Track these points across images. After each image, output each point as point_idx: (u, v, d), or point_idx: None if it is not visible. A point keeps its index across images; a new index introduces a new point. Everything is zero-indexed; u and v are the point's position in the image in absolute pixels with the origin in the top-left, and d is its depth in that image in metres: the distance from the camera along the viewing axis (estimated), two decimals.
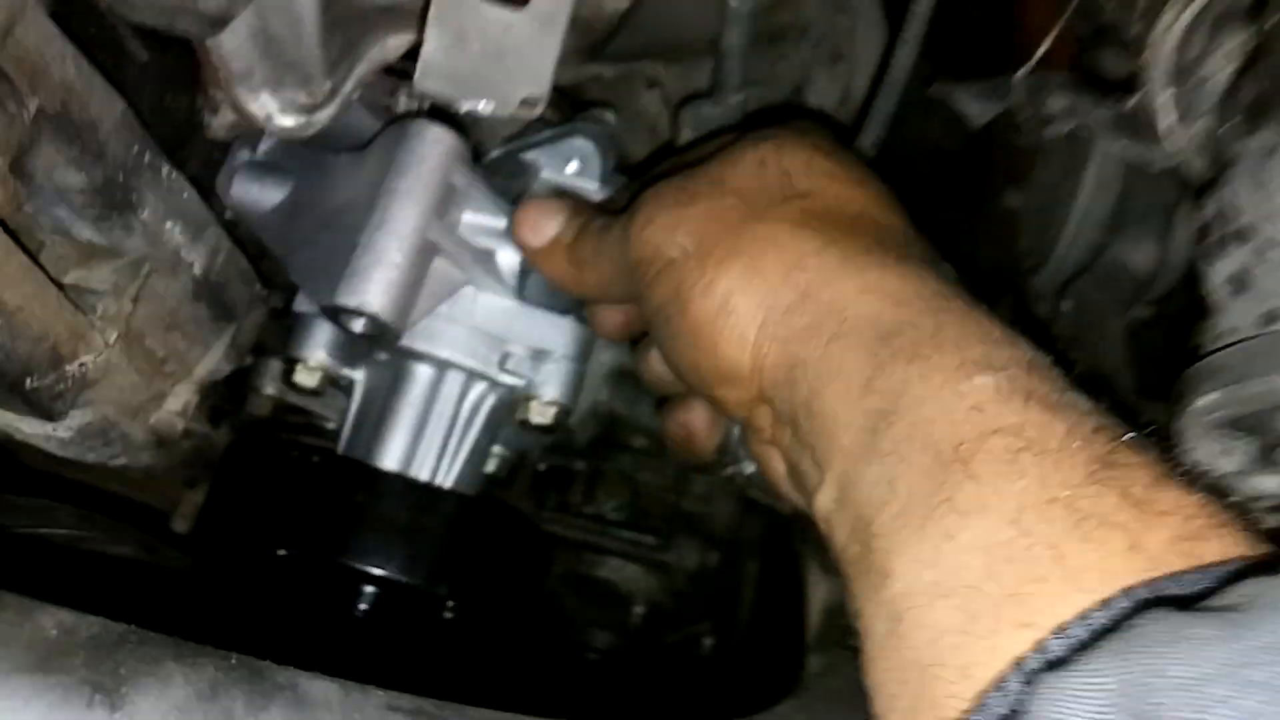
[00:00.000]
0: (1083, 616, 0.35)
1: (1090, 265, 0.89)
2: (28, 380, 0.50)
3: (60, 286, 0.53)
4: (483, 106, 0.59)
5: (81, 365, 0.53)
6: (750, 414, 0.54)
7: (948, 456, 0.41)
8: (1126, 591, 0.35)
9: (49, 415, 0.52)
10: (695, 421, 0.68)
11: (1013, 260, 1.08)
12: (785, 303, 0.49)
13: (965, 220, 1.34)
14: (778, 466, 0.55)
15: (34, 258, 0.51)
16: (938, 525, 0.40)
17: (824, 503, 0.46)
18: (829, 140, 0.59)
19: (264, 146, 0.72)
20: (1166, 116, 0.48)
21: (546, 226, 0.65)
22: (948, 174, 1.32)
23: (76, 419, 0.54)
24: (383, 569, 0.67)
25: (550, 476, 1.04)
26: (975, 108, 0.63)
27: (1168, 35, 0.47)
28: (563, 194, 0.69)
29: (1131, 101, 0.56)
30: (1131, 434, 0.41)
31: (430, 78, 0.58)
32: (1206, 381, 0.43)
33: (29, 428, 0.55)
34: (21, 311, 0.48)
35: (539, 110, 0.60)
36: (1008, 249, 1.11)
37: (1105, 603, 0.35)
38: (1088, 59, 0.93)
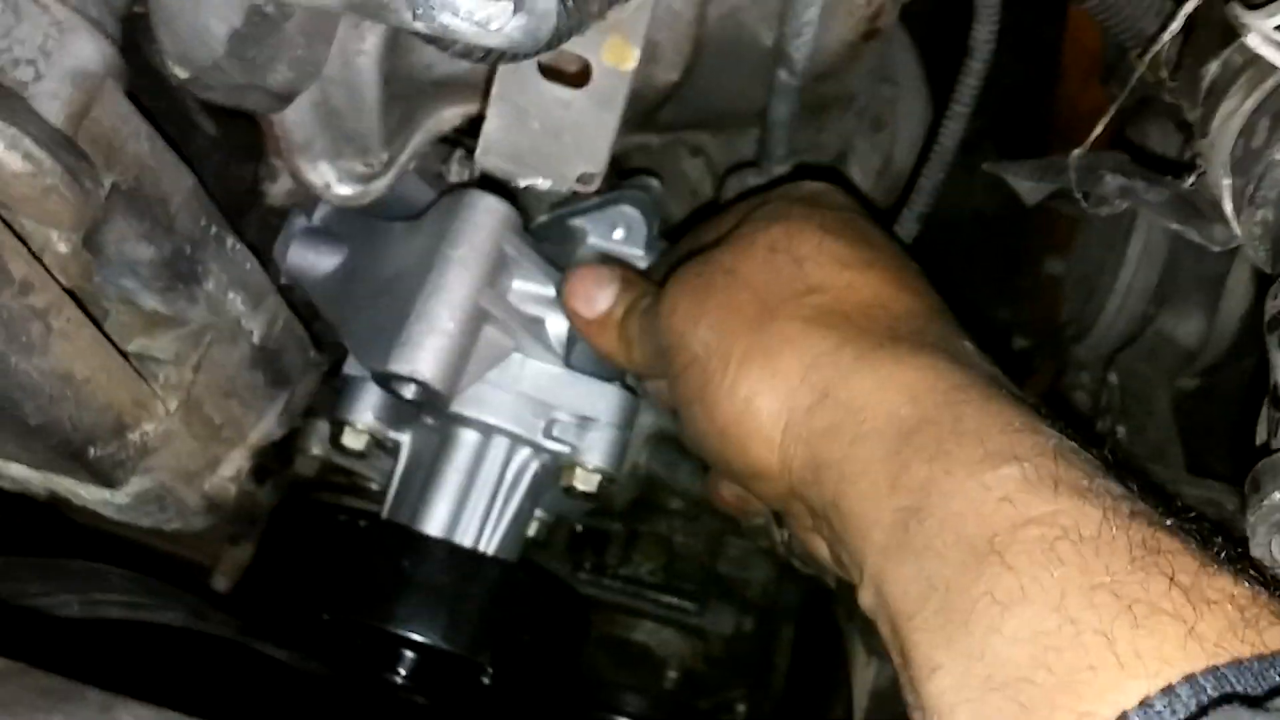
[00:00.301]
0: (1145, 704, 0.35)
1: (1136, 337, 0.89)
2: (91, 449, 0.51)
3: (124, 355, 0.54)
4: (540, 183, 0.60)
5: (143, 434, 0.53)
6: (786, 505, 0.55)
7: (982, 549, 0.40)
8: (1189, 679, 0.35)
9: (109, 483, 0.53)
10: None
11: (1055, 327, 1.08)
12: (805, 403, 0.50)
13: (1006, 285, 1.34)
14: (823, 552, 0.55)
15: (99, 326, 0.52)
16: (981, 618, 0.39)
17: (865, 599, 0.46)
18: (837, 215, 0.59)
19: (319, 213, 0.74)
20: (1227, 204, 0.47)
21: (598, 299, 0.65)
22: (988, 238, 1.32)
23: (135, 485, 0.55)
24: (425, 636, 0.67)
25: (587, 537, 1.04)
26: (1027, 186, 0.63)
27: (1229, 123, 0.47)
28: (612, 261, 0.69)
29: (1188, 183, 0.56)
30: (1171, 519, 0.40)
31: (491, 154, 0.59)
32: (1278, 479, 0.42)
33: (88, 494, 0.55)
34: (89, 383, 0.49)
35: (594, 187, 0.61)
36: (1049, 315, 1.11)
37: (1168, 689, 0.35)
38: (1132, 130, 0.93)
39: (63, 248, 0.47)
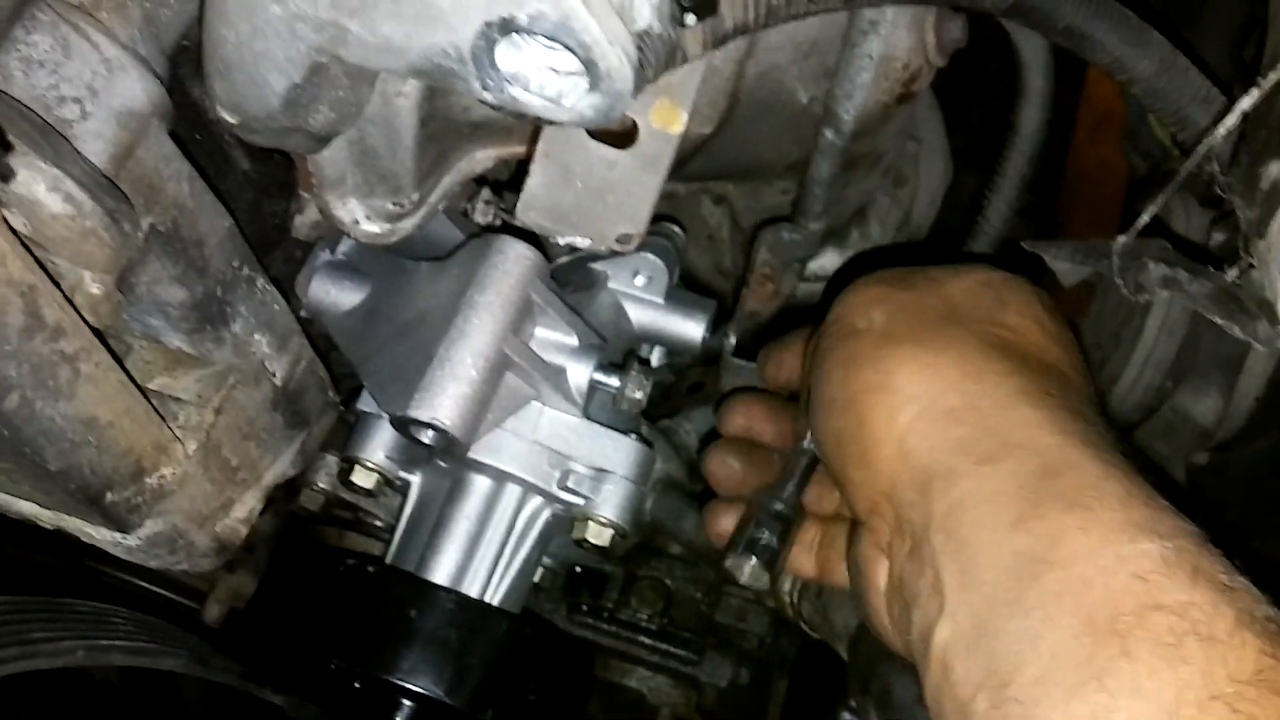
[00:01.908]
0: None
1: (1152, 411, 0.88)
2: (108, 494, 0.49)
3: (145, 393, 0.52)
4: (580, 241, 0.59)
5: (161, 477, 0.52)
6: (872, 511, 0.51)
7: (1102, 627, 0.39)
8: None
9: (123, 528, 0.51)
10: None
11: None
12: (947, 405, 0.48)
13: None
14: (875, 578, 0.52)
15: (122, 364, 0.50)
16: (1085, 703, 0.38)
17: (943, 636, 0.43)
18: (1048, 297, 0.59)
19: (344, 247, 0.72)
20: None
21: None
22: None
23: (147, 529, 0.53)
24: (429, 689, 0.66)
25: (584, 579, 1.03)
26: (1065, 268, 0.62)
27: None
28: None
29: (1232, 276, 0.56)
30: None
31: (532, 210, 0.58)
32: None
33: (98, 534, 0.54)
34: (112, 427, 0.47)
35: (633, 247, 0.60)
36: None
37: None
38: (1158, 208, 0.93)
39: (95, 289, 0.46)
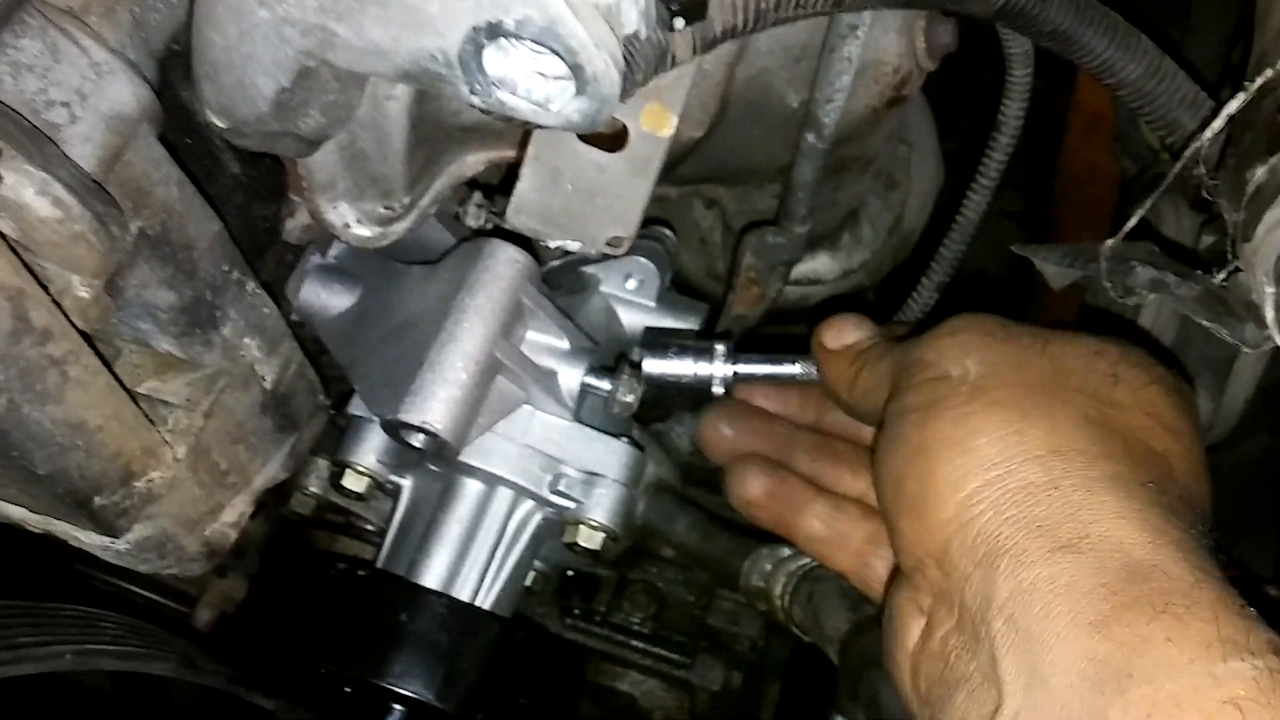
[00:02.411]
0: None
1: None
2: (96, 498, 0.49)
3: (133, 397, 0.52)
4: (570, 245, 0.59)
5: (149, 481, 0.52)
6: (916, 568, 0.47)
7: None
8: None
9: (111, 532, 0.51)
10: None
11: None
12: (1028, 479, 0.43)
13: None
14: (907, 635, 0.48)
15: (110, 368, 0.50)
16: None
17: None
18: (1176, 379, 0.53)
19: (334, 250, 0.72)
20: (1269, 312, 0.47)
21: (848, 334, 0.61)
22: (988, 300, 1.32)
23: (136, 533, 0.53)
24: (420, 693, 0.66)
25: (576, 582, 1.03)
26: (1055, 271, 0.63)
27: (1275, 232, 0.47)
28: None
29: (1219, 278, 0.56)
30: None
31: (522, 214, 0.58)
32: None
33: (86, 539, 0.53)
34: (101, 431, 0.47)
35: (623, 250, 0.60)
36: None
37: None
38: (1138, 206, 0.94)
39: (84, 293, 0.46)
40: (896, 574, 0.51)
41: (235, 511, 0.60)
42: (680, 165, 0.79)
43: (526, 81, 0.39)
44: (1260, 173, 0.49)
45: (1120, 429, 0.47)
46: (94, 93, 0.44)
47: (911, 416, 0.49)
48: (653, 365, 0.68)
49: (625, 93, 0.47)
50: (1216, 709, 0.36)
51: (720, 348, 0.68)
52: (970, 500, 0.44)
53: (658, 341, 0.69)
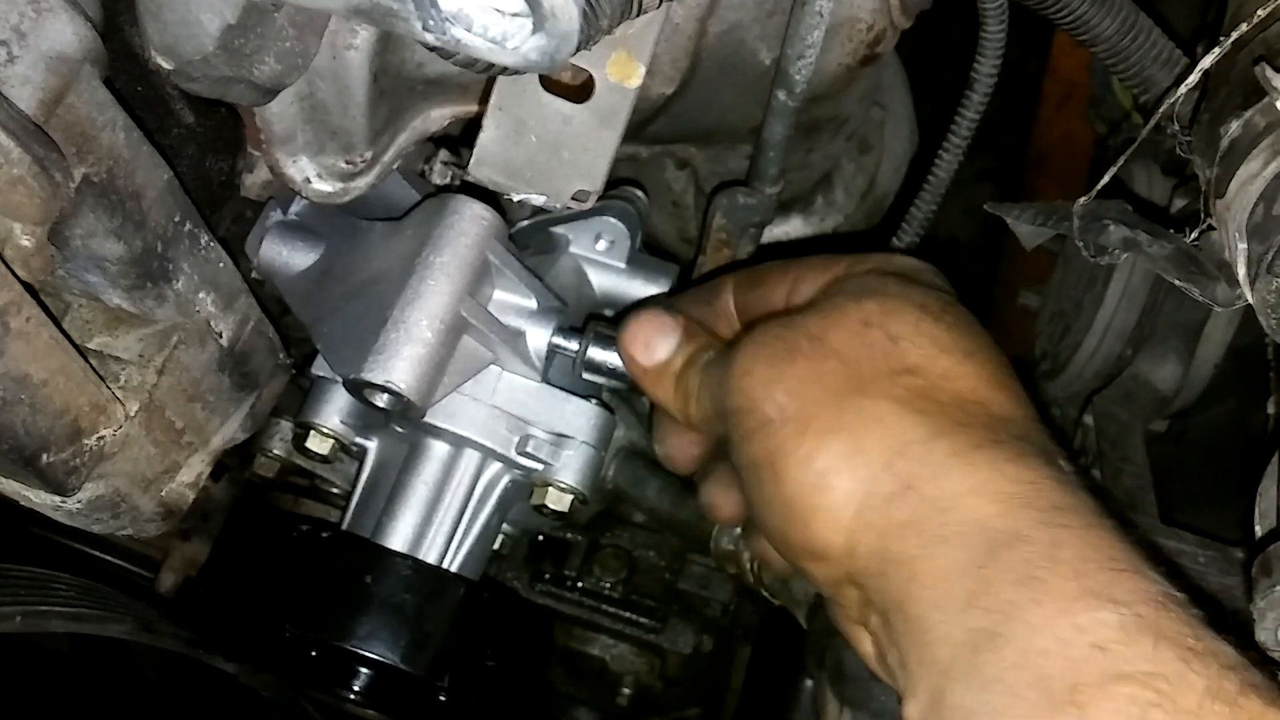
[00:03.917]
0: None
1: (1112, 378, 0.89)
2: (44, 456, 0.47)
3: (83, 353, 0.51)
4: (534, 198, 0.58)
5: (100, 439, 0.50)
6: (836, 592, 0.51)
7: (1061, 698, 0.38)
8: None
9: (61, 490, 0.50)
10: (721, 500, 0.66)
11: (1026, 360, 1.08)
12: (886, 490, 0.46)
13: (976, 312, 1.34)
14: (865, 646, 0.52)
15: (59, 325, 0.49)
16: None
17: (911, 713, 0.43)
18: (938, 296, 0.55)
19: (296, 207, 0.71)
20: (1241, 269, 0.47)
21: (658, 347, 0.61)
22: (961, 265, 1.32)
23: (88, 492, 0.52)
24: (386, 656, 0.65)
25: (547, 547, 1.02)
26: (1027, 230, 0.62)
27: (1249, 186, 0.46)
28: (671, 309, 0.64)
29: (1191, 237, 0.56)
30: None
31: (485, 166, 0.57)
32: None
33: (36, 498, 0.52)
34: (46, 386, 0.46)
35: (589, 204, 0.59)
36: (1021, 348, 1.11)
37: None
38: (1119, 171, 0.93)
39: (25, 242, 0.44)
40: (830, 604, 0.54)
41: (193, 471, 0.59)
42: (651, 124, 0.78)
43: (482, 18, 0.38)
44: (1234, 127, 0.48)
45: (926, 392, 0.49)
46: (33, 32, 0.42)
47: (763, 474, 0.51)
48: (598, 354, 0.67)
49: (590, 38, 0.46)
50: (1082, 653, 0.38)
51: None
52: (852, 530, 0.47)
53: (603, 333, 0.68)
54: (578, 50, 0.46)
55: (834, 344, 0.52)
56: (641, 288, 0.80)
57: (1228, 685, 0.37)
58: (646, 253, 0.83)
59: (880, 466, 0.47)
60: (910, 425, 0.48)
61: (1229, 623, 0.41)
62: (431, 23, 0.38)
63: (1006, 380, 0.52)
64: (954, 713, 0.41)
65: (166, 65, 0.45)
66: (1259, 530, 0.46)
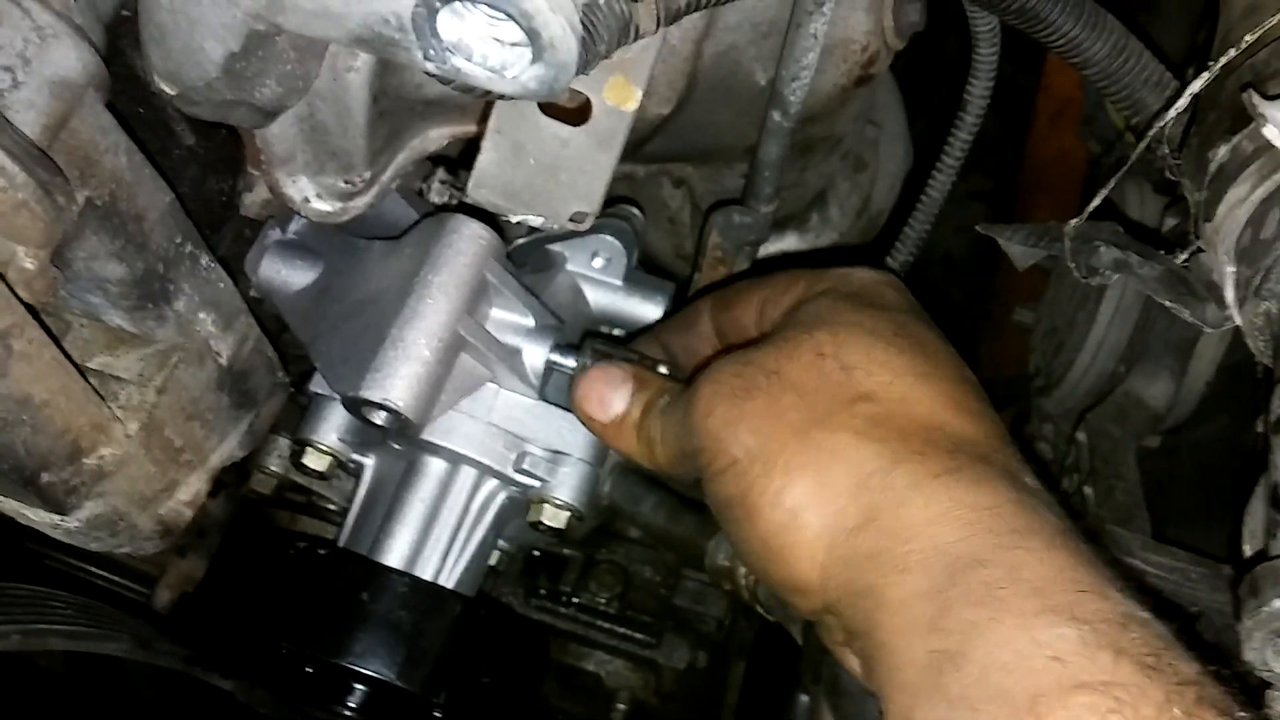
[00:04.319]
0: None
1: (1105, 395, 0.90)
2: (43, 475, 0.48)
3: (83, 372, 0.51)
4: (532, 220, 0.58)
5: (100, 458, 0.50)
6: (821, 619, 0.52)
7: (1022, 709, 0.38)
8: None
9: (60, 509, 0.50)
10: None
11: (1018, 375, 1.09)
12: (851, 524, 0.47)
13: (970, 328, 1.35)
14: (853, 665, 0.52)
15: (60, 345, 0.49)
16: None
17: None
18: (890, 318, 0.55)
19: (295, 225, 0.71)
20: (1229, 292, 0.47)
21: (613, 402, 0.62)
22: (955, 281, 1.33)
23: (87, 511, 0.52)
24: (382, 673, 0.65)
25: (542, 562, 1.02)
26: (1020, 251, 0.63)
27: (1237, 210, 0.47)
28: (620, 360, 0.65)
29: (1181, 259, 0.56)
30: (1242, 710, 0.38)
31: (484, 188, 0.58)
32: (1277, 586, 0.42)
33: (35, 516, 0.52)
34: (47, 406, 0.46)
35: (587, 226, 0.60)
36: (1014, 363, 1.12)
37: None
38: (1111, 190, 0.94)
39: (29, 264, 0.44)
40: (819, 627, 0.55)
41: (191, 490, 0.59)
42: (648, 143, 0.79)
43: (482, 47, 0.38)
44: (1223, 151, 0.49)
45: (884, 420, 0.50)
46: (37, 57, 0.42)
47: (736, 514, 0.52)
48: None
49: (588, 64, 0.47)
50: (1041, 666, 0.39)
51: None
52: (824, 569, 0.48)
53: (600, 349, 0.68)
54: (575, 76, 0.47)
55: (790, 378, 0.52)
56: (638, 305, 0.80)
57: (1185, 696, 0.38)
58: (643, 270, 0.84)
59: (846, 499, 0.48)
60: (870, 455, 0.48)
61: (1202, 639, 0.42)
62: (432, 52, 0.38)
63: (966, 399, 0.52)
64: None
65: (170, 91, 0.46)
66: (1247, 550, 0.47)
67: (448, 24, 0.38)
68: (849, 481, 0.48)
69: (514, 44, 0.38)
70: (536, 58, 0.38)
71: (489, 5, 0.36)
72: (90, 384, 0.51)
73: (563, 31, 0.37)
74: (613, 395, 0.62)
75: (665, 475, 0.64)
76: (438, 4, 0.37)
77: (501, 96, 0.43)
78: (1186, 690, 0.38)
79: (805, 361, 0.53)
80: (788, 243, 0.99)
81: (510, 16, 0.36)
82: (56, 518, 0.52)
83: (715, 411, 0.53)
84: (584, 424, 0.65)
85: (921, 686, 0.42)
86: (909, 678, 0.43)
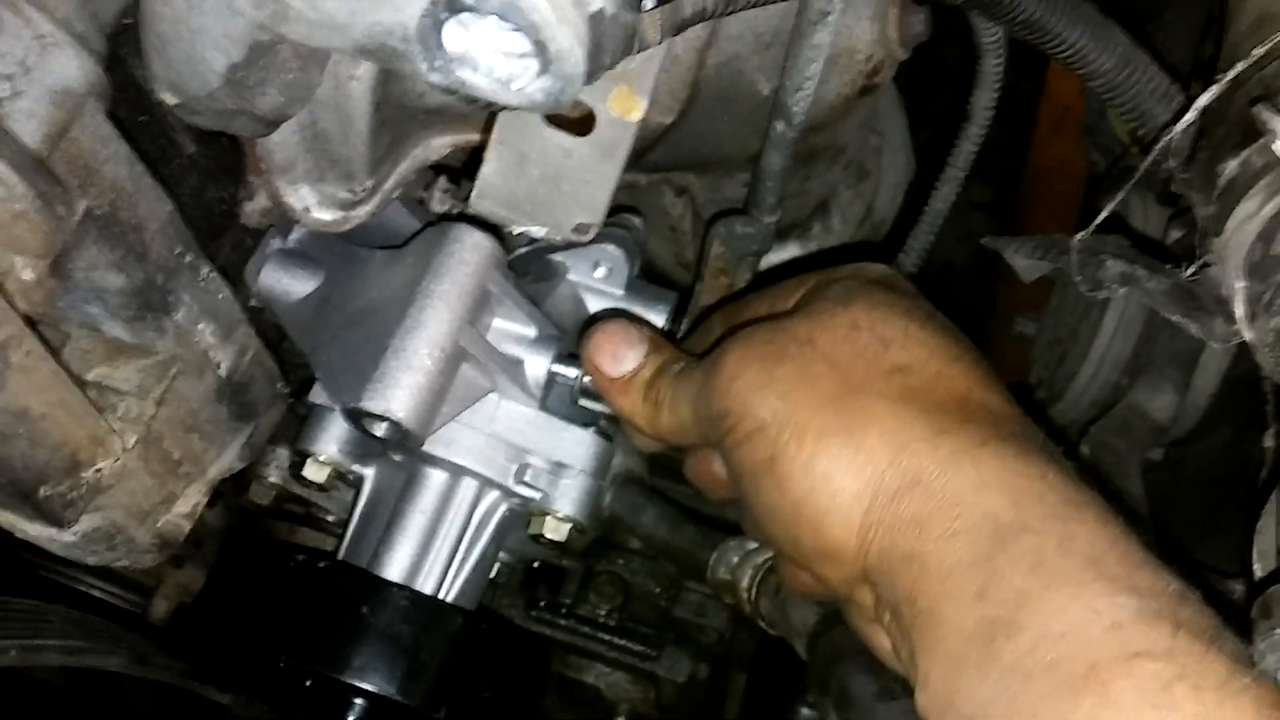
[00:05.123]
0: None
1: (1108, 407, 0.89)
2: (41, 488, 0.47)
3: (82, 384, 0.50)
4: (535, 231, 0.58)
5: (98, 471, 0.50)
6: (851, 591, 0.51)
7: (1081, 677, 0.37)
8: None
9: (57, 523, 0.50)
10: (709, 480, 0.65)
11: (1022, 387, 1.08)
12: (893, 487, 0.46)
13: (971, 338, 1.34)
14: (883, 643, 0.51)
15: (56, 353, 0.49)
16: None
17: (923, 703, 0.43)
18: (920, 303, 0.55)
19: (295, 234, 0.71)
20: (1239, 308, 0.47)
21: (625, 358, 0.61)
22: (956, 291, 1.32)
23: (84, 524, 0.51)
24: (382, 688, 0.64)
25: (542, 574, 1.02)
26: (1025, 264, 0.62)
27: (1247, 225, 0.46)
28: (637, 321, 0.65)
29: (1188, 273, 0.56)
30: None
31: (486, 199, 0.57)
32: None
33: (32, 529, 0.52)
34: (45, 419, 0.46)
35: (590, 237, 0.59)
36: (1016, 375, 1.11)
37: None
38: (1107, 200, 0.94)
39: (27, 275, 0.44)
40: (845, 604, 0.54)
41: (189, 502, 0.58)
42: (650, 152, 0.78)
43: (488, 59, 0.38)
44: (1232, 166, 0.48)
45: (923, 392, 0.49)
46: (38, 66, 0.42)
47: (764, 482, 0.51)
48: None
49: (592, 75, 0.46)
50: (1100, 634, 0.38)
51: None
52: (863, 530, 0.47)
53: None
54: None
55: (823, 347, 0.52)
56: (640, 314, 0.80)
57: (1246, 670, 0.37)
58: (644, 279, 0.84)
59: (885, 463, 0.47)
60: (910, 422, 0.48)
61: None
62: (438, 64, 0.38)
63: (994, 382, 0.52)
64: (969, 702, 0.40)
65: (171, 100, 0.45)
66: (1258, 570, 0.46)
67: (454, 36, 0.37)
68: (889, 447, 0.47)
69: (521, 55, 0.38)
70: (543, 70, 0.38)
71: (496, 16, 0.36)
72: (88, 396, 0.50)
73: (570, 43, 0.36)
74: (627, 351, 0.61)
75: (660, 440, 0.62)
76: (444, 15, 0.36)
77: (506, 107, 0.43)
78: (1242, 668, 0.37)
79: (839, 333, 0.52)
80: (789, 251, 0.99)
81: (517, 28, 0.36)
82: (53, 531, 0.51)
83: (743, 375, 0.52)
84: (591, 376, 0.64)
85: (969, 655, 0.41)
86: (955, 647, 0.41)
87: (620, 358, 0.61)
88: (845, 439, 0.48)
